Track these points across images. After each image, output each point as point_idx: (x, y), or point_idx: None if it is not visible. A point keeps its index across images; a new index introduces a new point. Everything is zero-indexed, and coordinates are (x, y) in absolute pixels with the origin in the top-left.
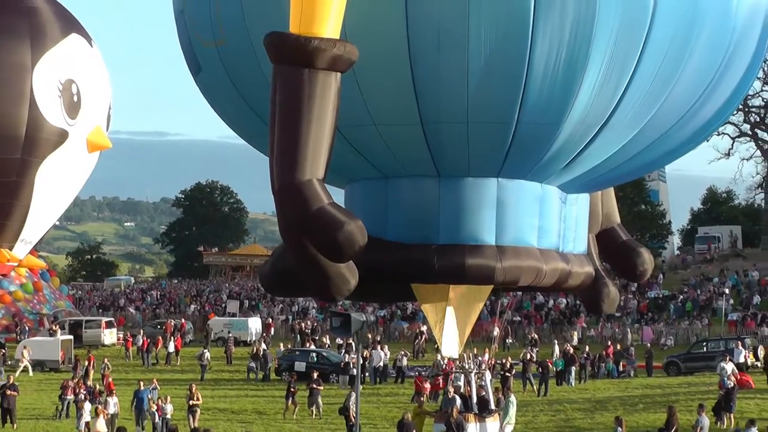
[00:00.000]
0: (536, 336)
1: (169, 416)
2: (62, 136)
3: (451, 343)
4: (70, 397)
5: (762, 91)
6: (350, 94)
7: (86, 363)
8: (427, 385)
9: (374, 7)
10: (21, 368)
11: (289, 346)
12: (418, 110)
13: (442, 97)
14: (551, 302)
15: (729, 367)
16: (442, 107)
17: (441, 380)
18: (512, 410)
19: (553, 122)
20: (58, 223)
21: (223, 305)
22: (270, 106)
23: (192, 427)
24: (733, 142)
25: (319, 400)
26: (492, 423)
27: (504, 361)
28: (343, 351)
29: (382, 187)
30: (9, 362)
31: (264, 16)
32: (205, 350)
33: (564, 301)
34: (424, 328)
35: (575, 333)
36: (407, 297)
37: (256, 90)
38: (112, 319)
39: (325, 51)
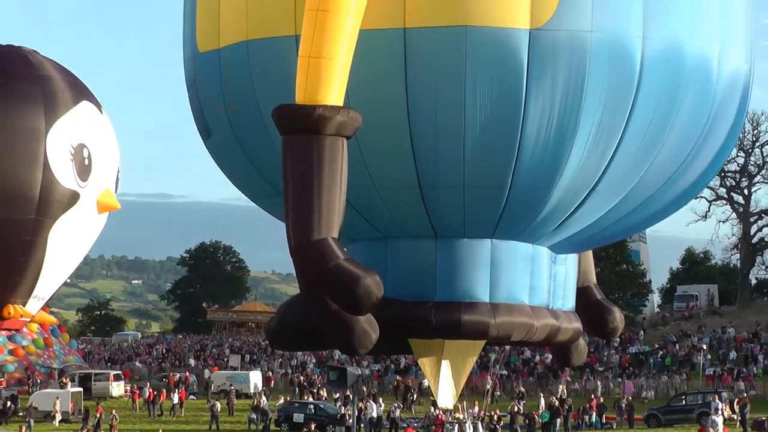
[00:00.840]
0: (523, 389)
1: None
2: (74, 197)
3: (446, 394)
4: None
5: (737, 156)
6: (353, 159)
7: (96, 414)
8: None
9: (376, 76)
10: (58, 418)
11: (288, 399)
12: (416, 175)
13: (439, 163)
14: (537, 357)
15: (720, 420)
16: (440, 172)
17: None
18: None
19: (545, 187)
20: (69, 280)
21: (226, 359)
22: (282, 173)
23: None
24: (710, 205)
25: None
26: None
27: (493, 413)
28: (340, 403)
29: (382, 248)
30: (20, 413)
31: (271, 84)
32: (216, 402)
33: (550, 356)
34: (411, 383)
35: (561, 386)
36: (403, 351)
37: (263, 153)
38: (120, 372)
39: (331, 118)
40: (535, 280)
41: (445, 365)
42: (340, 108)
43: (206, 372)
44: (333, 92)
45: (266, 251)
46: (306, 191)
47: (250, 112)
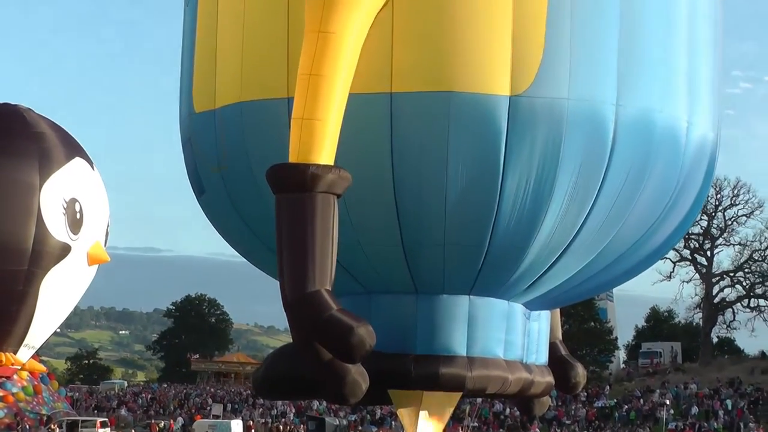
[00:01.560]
0: None
1: None
2: (65, 249)
3: None
4: None
5: (701, 220)
6: (339, 216)
7: None
8: None
9: (363, 137)
10: None
11: None
12: (400, 232)
13: (421, 222)
14: (508, 410)
15: None
16: (422, 230)
17: None
18: None
19: (521, 246)
20: (59, 330)
21: (209, 408)
22: (276, 229)
23: None
24: (675, 266)
25: None
26: None
27: None
28: None
29: (366, 302)
30: None
31: (263, 144)
32: None
33: None
34: None
35: None
36: (383, 401)
37: (253, 210)
38: (106, 419)
39: (323, 177)
40: (510, 335)
41: (423, 416)
42: (332, 167)
43: (179, 420)
44: (325, 152)
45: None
46: (300, 246)
47: (242, 171)
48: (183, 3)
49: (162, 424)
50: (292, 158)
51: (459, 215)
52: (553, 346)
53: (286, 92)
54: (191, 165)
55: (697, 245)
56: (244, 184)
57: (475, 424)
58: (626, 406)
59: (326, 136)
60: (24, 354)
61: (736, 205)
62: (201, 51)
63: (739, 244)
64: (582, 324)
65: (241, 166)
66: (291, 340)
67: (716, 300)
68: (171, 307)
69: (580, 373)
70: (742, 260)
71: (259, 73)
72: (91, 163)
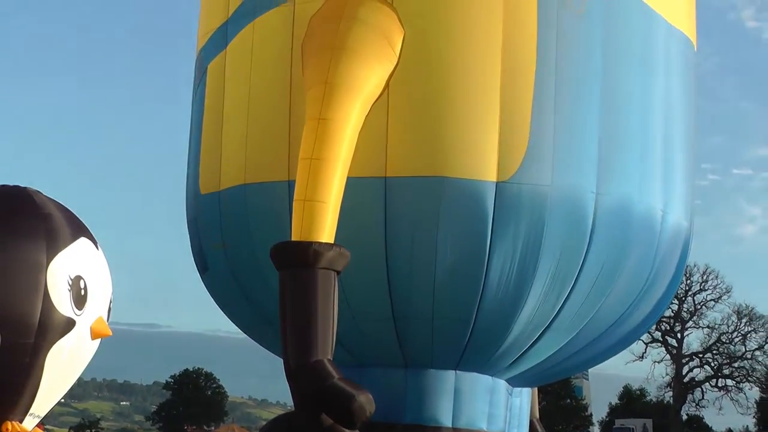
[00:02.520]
0: None
1: None
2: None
3: None
4: None
5: (672, 304)
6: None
7: None
8: None
9: (360, 218)
10: None
11: None
12: (391, 308)
13: (412, 297)
14: None
15: None
16: (412, 306)
17: None
18: None
19: (505, 323)
20: (63, 400)
21: None
22: (279, 304)
23: None
24: (647, 347)
25: None
26: None
27: None
28: None
29: (357, 375)
30: None
31: (265, 223)
32: None
33: None
34: None
35: None
36: None
37: (255, 286)
38: None
39: (324, 254)
40: (494, 409)
41: None
42: (332, 245)
43: None
44: (325, 231)
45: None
46: (303, 319)
47: (244, 249)
48: (192, 90)
49: None
50: (295, 237)
51: (447, 292)
52: (530, 424)
53: (287, 175)
54: (196, 243)
55: (668, 328)
56: (246, 261)
57: None
58: None
59: (326, 216)
60: (29, 423)
61: (705, 290)
62: (207, 136)
63: (708, 327)
64: (558, 401)
65: (244, 244)
66: (283, 412)
67: (686, 380)
68: (170, 379)
69: None
70: (710, 342)
71: (262, 157)
72: (95, 242)
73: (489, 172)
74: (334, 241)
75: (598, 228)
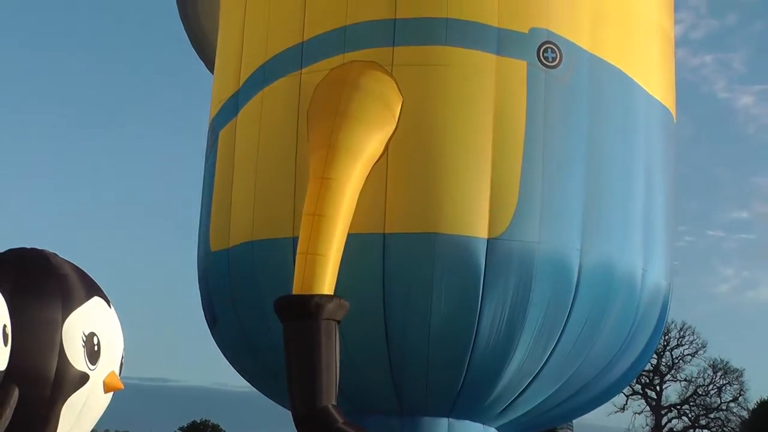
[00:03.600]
0: None
1: None
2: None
3: None
4: None
5: (651, 358)
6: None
7: None
8: None
9: (359, 271)
10: None
11: None
12: (388, 356)
13: (408, 347)
14: None
15: None
16: (408, 355)
17: None
18: None
19: (496, 371)
20: None
21: None
22: (285, 354)
23: None
24: (628, 399)
25: None
26: None
27: None
28: None
29: (356, 422)
30: None
31: (271, 277)
32: None
33: None
34: None
35: None
36: None
37: (262, 338)
38: None
39: (325, 306)
40: None
41: None
42: (333, 297)
43: None
44: (326, 284)
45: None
46: (308, 368)
47: (252, 303)
48: (204, 156)
49: None
50: (296, 289)
51: (441, 342)
52: None
53: (291, 232)
54: (206, 299)
55: (647, 381)
56: (253, 315)
57: None
58: None
59: (327, 269)
60: None
61: (682, 345)
62: (218, 198)
63: (685, 380)
64: None
65: (251, 298)
66: None
67: (665, 430)
68: (178, 431)
69: None
70: (687, 395)
71: (268, 215)
72: (108, 301)
73: (481, 230)
74: (335, 292)
75: (582, 283)
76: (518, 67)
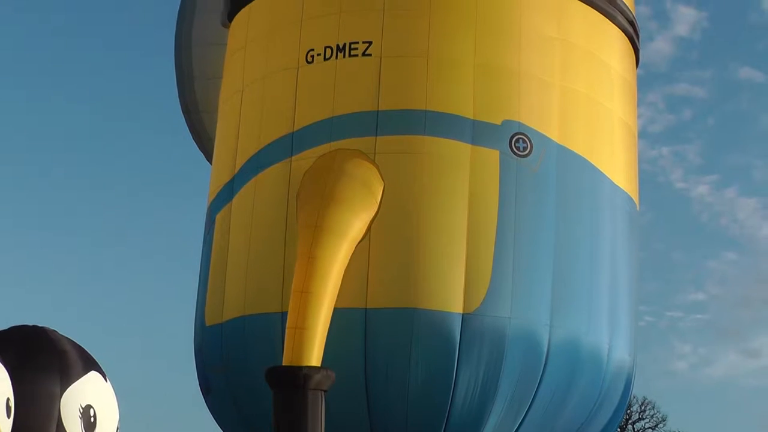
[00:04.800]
0: None
1: None
2: None
3: None
4: None
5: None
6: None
7: None
8: None
9: (343, 344)
10: None
11: None
12: (369, 422)
13: (388, 413)
14: None
15: None
16: (388, 421)
17: None
18: None
19: None
20: None
21: None
22: (273, 421)
23: None
24: None
25: None
26: None
27: None
28: None
29: None
30: None
31: (261, 350)
32: None
33: None
34: None
35: None
36: None
37: (252, 406)
38: None
39: (313, 377)
40: None
41: None
42: (320, 368)
43: None
44: (314, 356)
45: None
46: None
47: (243, 372)
48: (202, 237)
49: None
50: (286, 361)
51: (418, 409)
52: None
53: (280, 307)
54: (201, 369)
55: None
56: (244, 384)
57: None
58: None
59: (314, 342)
60: None
61: (644, 419)
62: (213, 276)
63: None
64: None
65: (242, 369)
66: None
67: None
68: None
69: None
70: None
71: (259, 292)
72: (104, 375)
73: (456, 305)
74: (321, 363)
75: (551, 356)
76: (491, 156)
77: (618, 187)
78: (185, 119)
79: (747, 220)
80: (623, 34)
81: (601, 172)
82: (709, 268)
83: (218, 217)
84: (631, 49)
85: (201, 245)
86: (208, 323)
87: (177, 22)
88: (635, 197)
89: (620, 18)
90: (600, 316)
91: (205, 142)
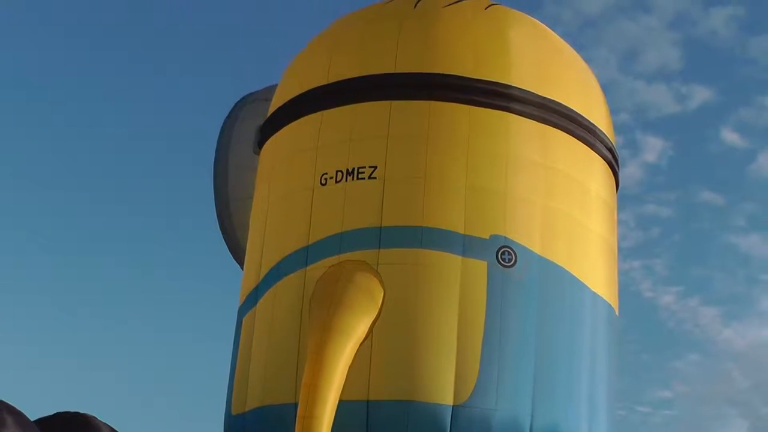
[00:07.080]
0: None
1: None
2: None
3: None
4: None
5: None
6: None
7: None
8: None
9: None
10: None
11: None
12: None
13: None
14: None
15: None
16: None
17: None
18: None
19: None
20: None
21: None
22: None
23: None
24: None
25: None
26: None
27: None
28: None
29: None
30: None
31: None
32: None
33: None
34: None
35: None
36: None
37: None
38: None
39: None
40: None
41: None
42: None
43: None
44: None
45: None
46: None
47: None
48: (232, 339)
49: None
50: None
51: None
52: None
53: (294, 398)
54: None
55: None
56: None
57: None
58: None
59: (321, 428)
60: None
61: None
62: (239, 371)
63: None
64: None
65: None
66: None
67: None
68: None
69: None
70: None
71: (275, 383)
72: None
73: (447, 398)
74: None
75: None
76: (480, 267)
77: (597, 294)
78: (223, 237)
79: (708, 326)
80: (603, 161)
81: (579, 280)
82: (675, 368)
83: (245, 319)
84: (611, 174)
85: (231, 345)
86: (233, 412)
87: (216, 150)
88: (614, 304)
89: (599, 146)
90: (579, 405)
91: (241, 255)
